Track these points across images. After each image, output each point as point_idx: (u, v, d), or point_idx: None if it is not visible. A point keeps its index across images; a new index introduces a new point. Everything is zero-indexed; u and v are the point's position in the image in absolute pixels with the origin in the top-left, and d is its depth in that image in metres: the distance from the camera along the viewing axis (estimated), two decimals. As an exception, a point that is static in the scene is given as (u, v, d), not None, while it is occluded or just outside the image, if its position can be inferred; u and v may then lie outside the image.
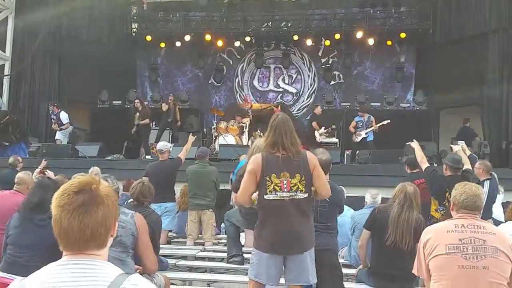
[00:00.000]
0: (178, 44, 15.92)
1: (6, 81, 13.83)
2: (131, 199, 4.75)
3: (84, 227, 1.47)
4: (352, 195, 7.67)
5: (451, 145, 7.37)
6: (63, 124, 12.56)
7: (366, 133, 11.33)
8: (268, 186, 3.47)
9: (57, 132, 12.57)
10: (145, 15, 16.43)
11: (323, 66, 15.87)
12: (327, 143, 11.95)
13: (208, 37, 15.51)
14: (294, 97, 16.22)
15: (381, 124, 11.20)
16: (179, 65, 16.77)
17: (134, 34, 16.26)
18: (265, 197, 3.48)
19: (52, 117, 12.76)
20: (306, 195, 3.50)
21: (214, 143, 12.64)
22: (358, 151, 11.14)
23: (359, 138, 11.32)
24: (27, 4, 14.14)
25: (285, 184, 3.46)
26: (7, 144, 12.59)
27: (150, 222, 4.12)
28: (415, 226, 4.14)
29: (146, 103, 13.49)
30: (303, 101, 16.14)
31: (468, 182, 3.15)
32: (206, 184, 7.23)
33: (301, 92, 16.19)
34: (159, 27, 16.02)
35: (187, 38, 15.59)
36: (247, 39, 15.63)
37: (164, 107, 12.70)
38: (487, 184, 6.10)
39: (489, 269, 2.73)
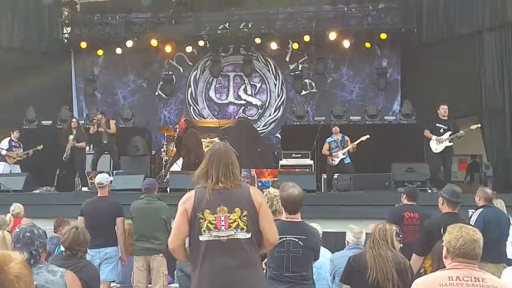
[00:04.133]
0: (118, 51, 15.78)
1: None
2: (63, 247, 4.57)
3: None
4: (331, 231, 7.60)
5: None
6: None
7: (344, 154, 11.28)
8: (202, 224, 3.37)
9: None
10: (79, 17, 16.22)
11: (292, 74, 15.94)
12: (300, 166, 11.91)
13: (154, 42, 15.42)
14: (259, 110, 16.22)
15: (359, 140, 11.12)
16: (120, 75, 16.61)
17: (66, 40, 16.01)
18: (200, 238, 3.37)
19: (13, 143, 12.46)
20: (249, 236, 3.38)
21: (165, 169, 12.43)
22: (336, 175, 11.13)
23: (337, 160, 11.26)
24: None
25: (222, 220, 3.37)
26: None
27: (85, 277, 4.01)
28: (397, 267, 4.10)
29: (81, 122, 13.24)
30: (269, 115, 16.16)
31: (464, 224, 3.10)
32: (154, 223, 7.05)
33: (267, 104, 16.21)
34: (96, 31, 15.83)
35: (129, 43, 15.48)
36: (201, 43, 15.61)
37: (92, 129, 12.23)
38: (476, 213, 5.97)
39: None
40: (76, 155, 11.80)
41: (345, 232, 5.88)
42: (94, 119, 12.34)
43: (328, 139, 11.61)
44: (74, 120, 12.29)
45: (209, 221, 3.38)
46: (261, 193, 3.64)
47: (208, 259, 3.35)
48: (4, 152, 12.23)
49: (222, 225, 3.36)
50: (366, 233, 6.01)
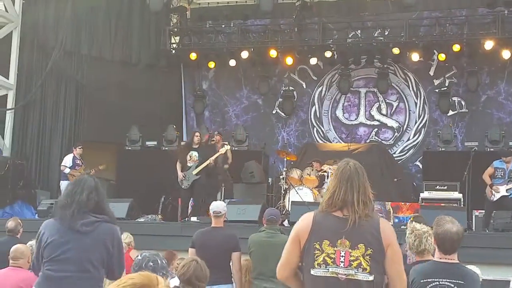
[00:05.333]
0: (232, 63, 16.34)
1: (9, 117, 14.59)
2: (176, 281, 4.81)
3: None
4: (487, 278, 7.38)
5: None
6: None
7: (507, 190, 10.92)
8: (317, 256, 3.40)
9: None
10: (189, 25, 16.99)
11: (437, 90, 15.71)
12: (446, 200, 11.67)
13: (273, 52, 15.81)
14: (396, 133, 16.09)
15: None
16: (232, 90, 17.21)
17: (174, 51, 16.81)
18: (312, 272, 3.40)
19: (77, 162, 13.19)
20: (371, 278, 3.37)
21: (284, 199, 12.64)
22: (494, 212, 10.81)
23: (497, 196, 10.94)
24: (36, 16, 14.99)
25: (342, 255, 3.37)
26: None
27: None
28: None
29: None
30: (408, 139, 15.99)
31: None
32: (277, 260, 7.11)
33: (405, 126, 16.06)
34: (207, 41, 16.51)
35: (245, 54, 15.99)
36: (327, 54, 15.79)
37: None
38: None
39: None
40: (202, 181, 11.77)
41: (508, 281, 5.71)
42: (213, 141, 12.73)
43: (496, 163, 11.27)
44: (197, 134, 12.15)
45: (327, 253, 3.39)
46: (392, 229, 3.59)
47: None
48: (67, 171, 12.92)
49: (342, 261, 3.36)
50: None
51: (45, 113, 15.12)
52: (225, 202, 11.48)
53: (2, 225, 8.34)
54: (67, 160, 13.10)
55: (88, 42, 15.55)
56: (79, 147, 13.37)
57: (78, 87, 15.65)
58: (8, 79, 14.70)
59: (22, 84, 14.93)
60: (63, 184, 12.64)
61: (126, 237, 8.06)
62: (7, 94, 14.73)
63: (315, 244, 3.41)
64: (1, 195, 13.09)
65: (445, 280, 4.24)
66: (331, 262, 3.36)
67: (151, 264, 4.05)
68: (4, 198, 13.20)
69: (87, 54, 15.65)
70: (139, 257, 4.39)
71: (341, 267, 3.35)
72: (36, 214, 12.30)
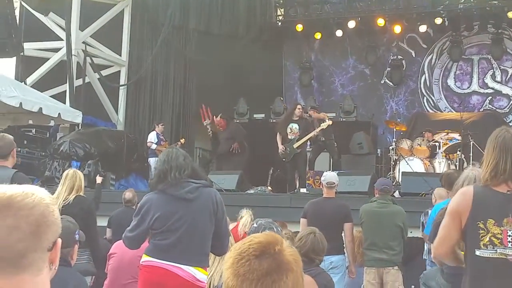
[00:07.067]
0: (338, 33, 16.23)
1: (122, 92, 15.21)
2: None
3: None
4: None
5: None
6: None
7: None
8: (482, 236, 3.22)
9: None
10: (295, -3, 16.99)
11: (556, 56, 15.04)
12: None
13: (380, 21, 15.61)
14: (511, 101, 15.50)
15: None
16: (338, 60, 17.09)
17: (280, 23, 16.88)
18: (477, 253, 3.24)
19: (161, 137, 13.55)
20: None
21: (394, 170, 12.51)
22: None
23: None
24: (146, -6, 15.50)
25: (509, 235, 3.20)
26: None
27: (321, 286, 4.34)
28: None
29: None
30: (525, 108, 15.44)
31: None
32: (389, 231, 7.19)
33: (521, 94, 15.48)
34: (314, 11, 16.44)
35: (352, 24, 15.86)
36: (438, 21, 15.40)
37: None
38: None
39: None
40: (302, 154, 11.72)
41: None
42: (306, 113, 12.68)
43: None
44: (299, 106, 11.88)
45: (493, 234, 3.22)
46: None
47: (490, 280, 3.27)
48: (154, 146, 13.14)
49: (510, 241, 3.19)
50: None
51: (155, 88, 15.69)
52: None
53: (119, 197, 8.73)
54: (152, 137, 13.37)
55: (196, 16, 15.90)
56: (162, 124, 13.69)
57: (186, 62, 16.09)
58: (120, 55, 15.33)
59: (133, 60, 15.54)
60: (152, 161, 12.82)
61: (244, 215, 8.10)
62: (120, 71, 15.38)
63: (478, 223, 3.24)
64: (117, 168, 13.65)
65: None
66: (498, 242, 3.20)
67: (267, 231, 4.12)
68: (120, 171, 13.78)
69: (195, 29, 16.01)
70: (255, 225, 4.50)
71: (510, 247, 3.19)
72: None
